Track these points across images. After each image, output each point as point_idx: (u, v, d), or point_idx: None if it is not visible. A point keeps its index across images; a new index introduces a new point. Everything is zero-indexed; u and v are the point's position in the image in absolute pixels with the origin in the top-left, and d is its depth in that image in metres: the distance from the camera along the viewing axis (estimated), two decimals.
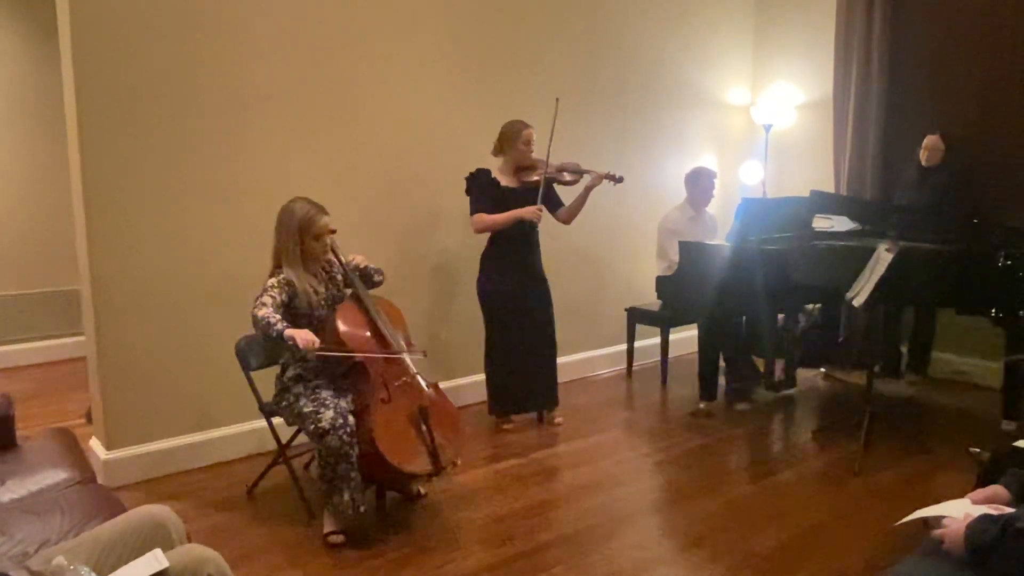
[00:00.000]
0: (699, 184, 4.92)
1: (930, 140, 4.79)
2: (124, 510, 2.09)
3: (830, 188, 5.46)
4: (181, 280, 3.62)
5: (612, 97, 5.19)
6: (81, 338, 3.87)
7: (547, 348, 4.22)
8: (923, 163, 4.83)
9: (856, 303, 3.67)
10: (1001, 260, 3.65)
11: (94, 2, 3.30)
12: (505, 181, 4.02)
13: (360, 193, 4.09)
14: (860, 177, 5.39)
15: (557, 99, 3.93)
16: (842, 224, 4.58)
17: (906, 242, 3.88)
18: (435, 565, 2.82)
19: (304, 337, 2.87)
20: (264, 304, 2.89)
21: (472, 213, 3.97)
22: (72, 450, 2.70)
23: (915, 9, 5.18)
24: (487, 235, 4.08)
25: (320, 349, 2.94)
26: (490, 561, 2.85)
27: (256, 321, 2.87)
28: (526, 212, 3.93)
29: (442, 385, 3.38)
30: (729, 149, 5.99)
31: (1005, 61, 4.80)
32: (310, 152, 3.92)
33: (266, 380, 3.27)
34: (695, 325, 4.78)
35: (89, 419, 3.88)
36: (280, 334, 2.85)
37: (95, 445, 3.63)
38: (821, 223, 4.56)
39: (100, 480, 2.96)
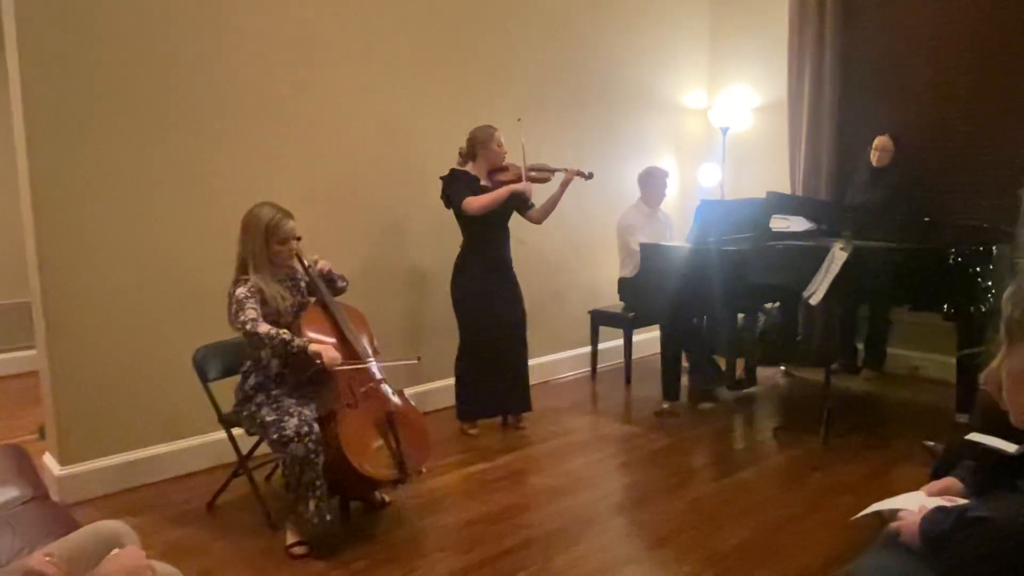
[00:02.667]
0: (651, 183, 5.01)
1: (880, 141, 4.91)
2: (78, 527, 2.04)
3: (786, 189, 5.55)
4: (135, 290, 3.54)
5: (572, 102, 5.22)
6: (33, 352, 3.76)
7: (519, 351, 4.23)
8: (874, 164, 4.94)
9: (812, 301, 3.74)
10: (951, 257, 3.75)
11: (41, 2, 3.20)
12: (482, 182, 4.04)
13: (326, 198, 4.05)
14: (815, 178, 5.49)
15: (519, 119, 3.95)
16: (799, 224, 4.66)
17: (860, 241, 3.96)
18: (401, 573, 2.80)
19: (329, 354, 2.93)
20: (256, 319, 2.88)
21: (459, 202, 3.92)
22: (24, 467, 2.62)
23: (865, 15, 5.30)
24: (461, 240, 4.09)
25: (340, 364, 2.97)
26: (456, 567, 2.84)
27: (261, 337, 2.86)
28: (520, 185, 3.96)
29: (408, 391, 3.36)
30: (687, 152, 6.05)
31: (951, 65, 4.95)
32: (272, 157, 3.87)
33: (225, 390, 3.21)
34: (657, 326, 4.82)
35: (42, 435, 3.78)
36: (304, 349, 2.90)
37: (48, 461, 3.53)
38: (778, 223, 4.63)
39: (54, 497, 2.89)
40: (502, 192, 3.94)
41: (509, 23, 4.84)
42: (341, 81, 4.10)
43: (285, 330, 2.92)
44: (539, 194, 4.17)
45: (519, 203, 4.12)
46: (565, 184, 4.09)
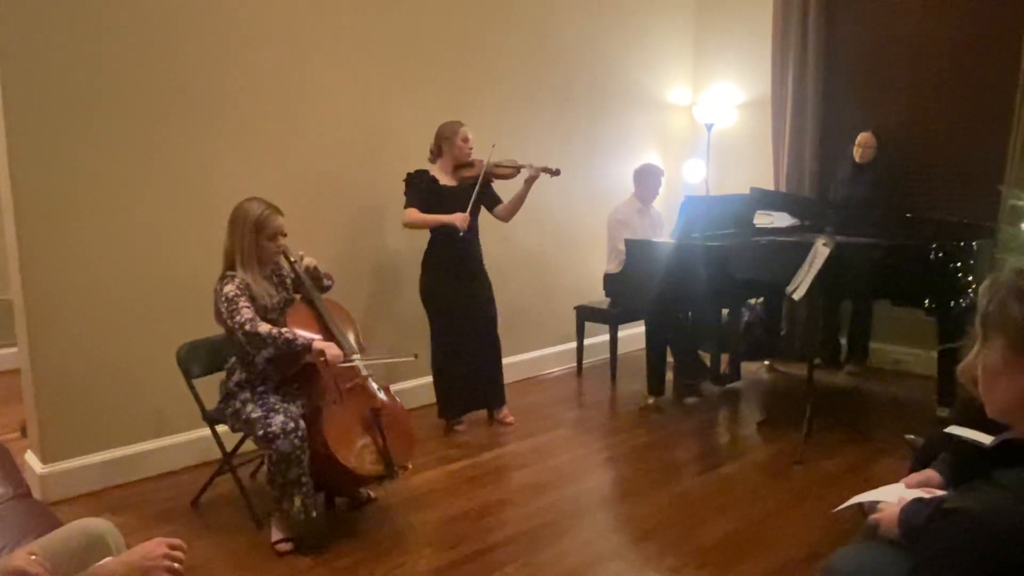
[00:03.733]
0: (647, 181, 5.01)
1: (863, 137, 4.95)
2: (60, 525, 2.02)
3: (770, 185, 5.58)
4: (118, 286, 3.51)
5: (557, 98, 5.22)
6: (14, 349, 3.73)
7: (491, 345, 4.23)
8: (857, 160, 4.98)
9: (795, 296, 3.76)
10: (933, 253, 3.79)
11: None
12: (444, 180, 4.03)
13: (305, 194, 4.02)
14: (798, 174, 5.53)
15: (493, 145, 3.96)
16: (782, 220, 4.70)
17: (843, 237, 3.99)
18: (386, 569, 2.80)
19: (332, 352, 2.92)
20: (253, 319, 2.86)
21: (405, 208, 3.95)
22: (5, 465, 2.60)
23: (848, 13, 5.35)
24: (428, 236, 4.08)
25: (342, 361, 2.98)
26: (442, 563, 2.84)
27: (262, 337, 2.84)
28: (453, 218, 3.91)
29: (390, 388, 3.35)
30: (672, 148, 6.08)
31: (932, 63, 5.00)
32: (252, 153, 3.85)
33: (209, 387, 3.20)
34: (643, 322, 4.84)
35: (24, 432, 3.75)
36: (308, 347, 2.89)
37: (30, 459, 3.50)
38: (762, 219, 4.67)
39: (36, 495, 2.87)
40: (435, 219, 3.93)
41: (494, 20, 4.83)
42: (320, 78, 4.07)
43: (287, 329, 2.92)
44: (508, 190, 4.17)
45: (487, 200, 4.12)
46: (530, 181, 4.05)
